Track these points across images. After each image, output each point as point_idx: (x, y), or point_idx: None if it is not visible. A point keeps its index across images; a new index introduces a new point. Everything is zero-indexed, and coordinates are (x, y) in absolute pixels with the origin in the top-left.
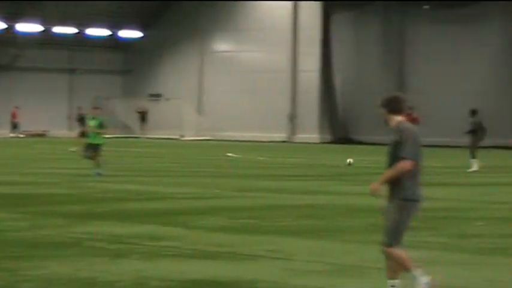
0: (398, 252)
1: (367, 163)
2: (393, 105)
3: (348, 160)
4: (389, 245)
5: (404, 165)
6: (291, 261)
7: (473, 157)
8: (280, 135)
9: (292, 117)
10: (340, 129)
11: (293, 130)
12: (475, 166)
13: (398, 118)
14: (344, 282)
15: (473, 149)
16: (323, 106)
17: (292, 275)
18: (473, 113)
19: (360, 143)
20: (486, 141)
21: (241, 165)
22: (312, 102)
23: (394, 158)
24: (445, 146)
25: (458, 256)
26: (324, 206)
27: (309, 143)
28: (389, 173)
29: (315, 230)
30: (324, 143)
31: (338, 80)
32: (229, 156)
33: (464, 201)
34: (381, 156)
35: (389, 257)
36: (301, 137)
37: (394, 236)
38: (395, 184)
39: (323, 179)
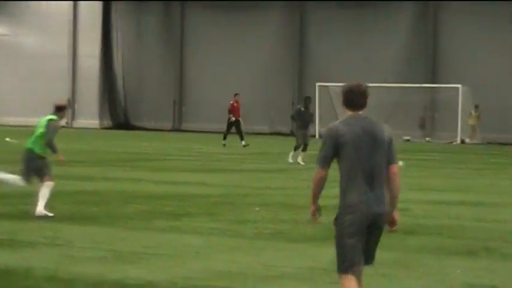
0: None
1: (146, 149)
2: (343, 98)
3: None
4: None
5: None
6: (69, 248)
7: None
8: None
9: (72, 103)
10: (120, 115)
11: (73, 116)
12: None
13: (348, 113)
14: (124, 269)
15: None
16: (103, 92)
17: (70, 262)
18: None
19: (140, 128)
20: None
21: (20, 150)
22: (92, 87)
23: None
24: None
25: (237, 241)
26: (103, 192)
27: (89, 129)
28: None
29: (93, 217)
30: (104, 128)
31: (119, 67)
32: (8, 141)
33: (241, 187)
34: (160, 142)
35: None
36: (81, 122)
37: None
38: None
39: (102, 164)
